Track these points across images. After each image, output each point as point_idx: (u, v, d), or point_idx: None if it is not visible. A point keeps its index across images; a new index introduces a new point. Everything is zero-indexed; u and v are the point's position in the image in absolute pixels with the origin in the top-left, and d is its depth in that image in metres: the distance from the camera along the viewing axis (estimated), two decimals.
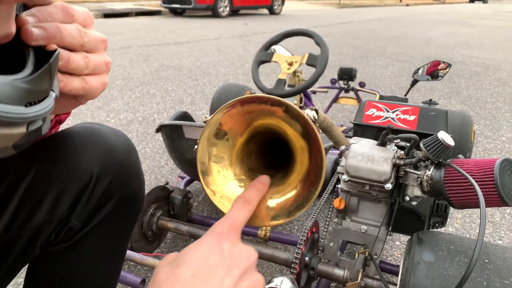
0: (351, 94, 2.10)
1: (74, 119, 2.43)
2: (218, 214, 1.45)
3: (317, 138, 0.39)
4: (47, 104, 0.31)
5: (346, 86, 2.04)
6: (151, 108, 2.71)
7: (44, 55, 0.32)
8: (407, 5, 20.47)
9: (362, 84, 2.09)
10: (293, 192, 0.43)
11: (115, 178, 0.55)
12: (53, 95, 0.32)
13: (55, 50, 0.33)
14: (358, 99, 2.08)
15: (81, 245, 0.55)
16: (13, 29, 0.30)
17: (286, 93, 1.41)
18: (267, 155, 0.50)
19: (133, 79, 3.42)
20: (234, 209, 0.39)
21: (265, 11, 11.30)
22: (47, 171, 0.50)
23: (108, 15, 8.68)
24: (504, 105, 3.10)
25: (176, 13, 9.88)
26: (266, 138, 0.47)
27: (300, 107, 1.58)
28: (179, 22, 8.23)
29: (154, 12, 9.82)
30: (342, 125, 2.00)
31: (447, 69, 1.58)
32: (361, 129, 1.02)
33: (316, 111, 0.80)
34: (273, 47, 1.60)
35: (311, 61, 1.42)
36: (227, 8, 9.69)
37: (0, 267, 0.50)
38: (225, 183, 0.45)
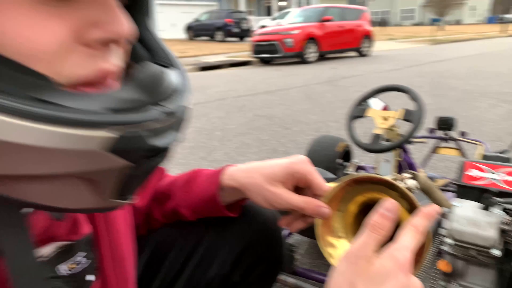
0: (452, 143, 2.02)
1: (181, 168, 2.71)
2: (319, 268, 1.49)
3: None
4: (142, 115, 0.30)
5: (445, 136, 1.99)
6: (248, 158, 2.91)
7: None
8: None
9: (463, 134, 2.01)
10: None
11: (266, 244, 0.68)
12: (157, 109, 0.31)
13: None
14: (460, 149, 1.99)
15: None
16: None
17: (384, 147, 1.44)
18: None
19: (231, 130, 3.71)
20: (406, 237, 0.41)
21: (354, 53, 11.35)
22: (220, 235, 0.66)
23: (204, 68, 9.57)
24: None
25: (265, 62, 10.45)
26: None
27: (399, 162, 1.59)
28: (268, 71, 8.70)
29: (244, 63, 10.54)
30: (444, 178, 1.93)
31: None
32: (463, 190, 1.01)
33: (415, 175, 0.84)
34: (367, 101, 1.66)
35: (407, 116, 1.44)
36: (315, 54, 9.98)
37: None
38: (340, 249, 0.52)
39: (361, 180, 0.51)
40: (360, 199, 0.53)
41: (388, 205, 0.42)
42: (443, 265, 0.92)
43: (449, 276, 0.93)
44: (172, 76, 0.35)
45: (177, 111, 0.33)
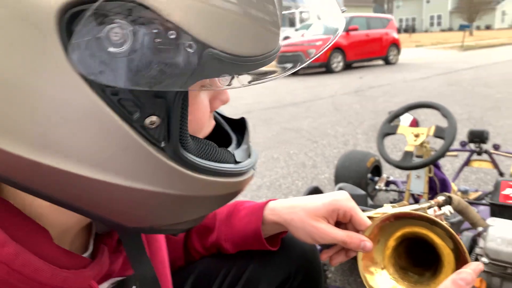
0: (485, 156, 2.00)
1: None
2: (350, 285, 1.51)
3: (465, 252, 0.48)
4: (250, 160, 0.45)
5: (478, 149, 1.97)
6: (276, 172, 2.94)
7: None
8: None
9: (496, 147, 1.99)
10: None
11: (305, 275, 0.71)
12: (253, 156, 0.47)
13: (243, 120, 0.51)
14: (494, 162, 1.97)
15: None
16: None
17: (415, 165, 1.46)
18: (415, 254, 0.59)
19: (258, 144, 3.76)
20: None
21: (380, 62, 11.24)
22: (261, 267, 0.68)
23: None
24: None
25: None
26: (414, 240, 0.56)
27: (430, 178, 1.59)
28: (294, 81, 8.72)
29: (269, 72, 10.58)
30: (477, 190, 1.91)
31: None
32: (499, 209, 1.02)
33: (450, 198, 0.86)
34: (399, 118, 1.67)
35: (439, 133, 1.46)
36: (341, 64, 9.94)
37: None
38: (382, 281, 0.55)
39: (402, 216, 0.54)
40: (400, 233, 0.55)
41: (467, 276, 0.44)
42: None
43: None
44: None
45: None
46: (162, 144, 0.34)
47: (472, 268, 0.45)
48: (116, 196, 0.34)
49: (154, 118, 0.32)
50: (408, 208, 0.63)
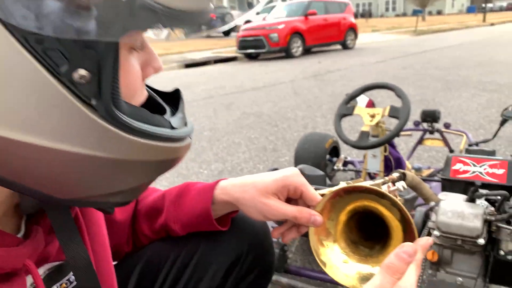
0: (436, 135, 2.09)
1: (170, 173, 2.72)
2: (311, 264, 1.54)
3: (411, 222, 0.48)
4: (187, 128, 0.43)
5: (430, 128, 2.05)
6: (238, 157, 2.93)
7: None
8: (492, 24, 19.15)
9: (447, 125, 2.07)
10: None
11: (257, 254, 0.70)
12: (189, 125, 0.45)
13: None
14: (444, 140, 2.06)
15: None
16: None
17: (371, 144, 1.49)
18: (366, 228, 0.59)
19: (219, 129, 3.72)
20: (412, 273, 0.42)
21: (338, 46, 11.42)
22: (211, 248, 0.67)
23: (189, 65, 9.50)
24: None
25: (251, 57, 10.45)
26: (364, 214, 0.57)
27: (385, 157, 1.64)
28: (254, 66, 8.71)
29: (230, 59, 10.51)
30: (429, 168, 1.99)
31: None
32: (449, 184, 1.06)
33: (404, 174, 0.88)
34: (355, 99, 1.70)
35: (393, 113, 1.49)
36: (300, 48, 10.01)
37: None
38: (333, 255, 0.55)
39: (351, 190, 0.53)
40: (351, 207, 0.55)
41: (409, 249, 0.43)
42: (430, 254, 0.97)
43: (436, 265, 0.98)
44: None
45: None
46: (93, 102, 0.31)
47: (419, 244, 0.46)
48: (42, 160, 0.31)
49: (84, 72, 0.30)
50: (362, 184, 0.63)
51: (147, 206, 0.68)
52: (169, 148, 0.38)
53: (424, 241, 0.46)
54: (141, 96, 0.41)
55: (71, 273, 0.44)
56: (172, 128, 0.40)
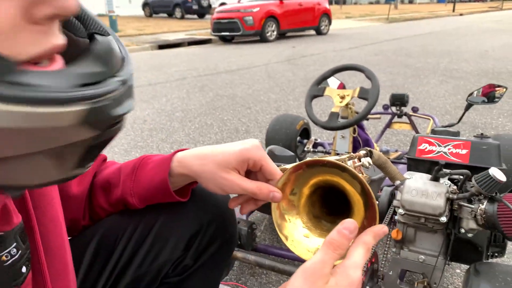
0: (404, 119, 2.13)
1: (141, 151, 2.66)
2: (279, 242, 1.54)
3: (371, 195, 0.48)
4: (105, 87, 0.30)
5: (399, 112, 2.08)
6: (209, 138, 2.90)
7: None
8: (461, 14, 19.65)
9: (415, 109, 2.11)
10: None
11: (218, 225, 0.68)
12: (114, 79, 0.32)
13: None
14: (412, 124, 2.10)
15: (191, 278, 0.69)
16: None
17: (340, 125, 1.49)
18: (328, 203, 0.59)
19: (191, 110, 3.66)
20: (358, 254, 0.42)
21: (312, 32, 11.43)
22: (170, 220, 0.65)
23: (162, 46, 9.28)
24: None
25: (225, 40, 10.30)
26: (327, 189, 0.56)
27: (354, 138, 1.65)
28: (229, 49, 8.59)
29: (205, 41, 10.32)
30: (397, 150, 2.03)
31: (504, 90, 1.58)
32: (415, 163, 1.08)
33: (370, 152, 0.88)
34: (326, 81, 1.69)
35: (363, 94, 1.50)
36: (274, 32, 9.94)
37: None
38: (295, 229, 0.55)
39: (313, 164, 0.52)
40: (313, 181, 0.54)
41: (349, 225, 0.42)
42: (394, 233, 0.99)
43: (400, 243, 1.00)
44: (115, 45, 0.36)
45: (129, 79, 0.34)
46: None
47: (373, 230, 0.45)
48: None
49: None
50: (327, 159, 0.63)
51: (103, 179, 0.65)
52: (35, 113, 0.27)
53: (379, 228, 0.46)
54: (24, 45, 0.28)
55: (14, 244, 0.40)
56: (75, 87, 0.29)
